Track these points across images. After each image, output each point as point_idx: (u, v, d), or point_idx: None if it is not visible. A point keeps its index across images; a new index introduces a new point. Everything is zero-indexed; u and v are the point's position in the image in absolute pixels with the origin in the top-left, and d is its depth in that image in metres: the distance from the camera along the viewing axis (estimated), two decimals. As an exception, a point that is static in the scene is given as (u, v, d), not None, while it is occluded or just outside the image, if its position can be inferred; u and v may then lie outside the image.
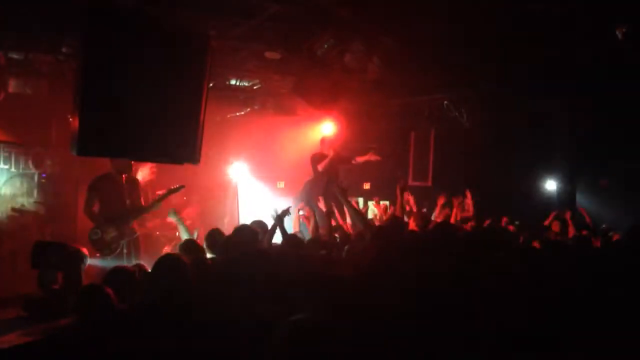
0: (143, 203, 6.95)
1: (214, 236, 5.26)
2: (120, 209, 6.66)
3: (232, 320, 3.22)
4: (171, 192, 6.96)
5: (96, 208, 6.62)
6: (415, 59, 7.34)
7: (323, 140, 9.78)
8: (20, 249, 7.27)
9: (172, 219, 6.09)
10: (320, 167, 9.19)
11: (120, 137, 4.69)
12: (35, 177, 8.13)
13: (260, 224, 5.86)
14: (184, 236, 5.71)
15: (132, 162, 6.63)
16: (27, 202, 7.83)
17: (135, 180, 7.00)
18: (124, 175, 6.67)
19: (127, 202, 6.71)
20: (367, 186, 11.83)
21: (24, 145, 8.09)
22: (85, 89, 4.56)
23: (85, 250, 5.98)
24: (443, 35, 6.79)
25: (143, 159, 5.09)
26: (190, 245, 4.98)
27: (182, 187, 7.10)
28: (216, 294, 3.70)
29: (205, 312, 3.45)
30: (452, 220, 7.53)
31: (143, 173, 7.90)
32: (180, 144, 5.10)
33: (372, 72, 7.22)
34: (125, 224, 6.67)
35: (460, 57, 7.50)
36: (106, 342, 3.31)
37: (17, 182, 7.82)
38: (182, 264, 3.85)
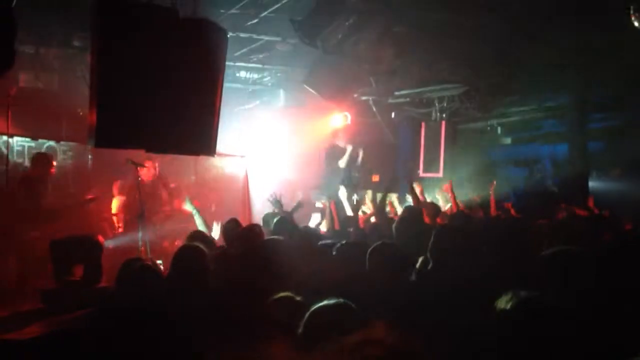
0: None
1: (231, 227, 5.30)
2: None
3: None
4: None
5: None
6: (428, 49, 7.30)
7: (336, 133, 9.64)
8: (35, 242, 7.28)
9: (188, 208, 6.06)
10: (342, 164, 9.14)
11: (137, 129, 4.66)
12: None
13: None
14: (200, 226, 5.71)
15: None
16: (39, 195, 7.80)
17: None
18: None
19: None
20: (376, 179, 11.80)
21: (36, 139, 8.08)
22: (101, 81, 4.53)
23: (101, 239, 6.01)
24: (456, 25, 6.75)
25: (159, 150, 5.06)
26: (198, 236, 4.99)
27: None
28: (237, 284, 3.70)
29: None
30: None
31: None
32: (197, 135, 5.07)
33: (385, 62, 7.18)
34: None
35: (472, 47, 7.47)
36: (123, 331, 3.31)
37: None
38: (203, 254, 3.87)
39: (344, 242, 4.27)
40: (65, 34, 7.21)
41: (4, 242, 6.92)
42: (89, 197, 7.39)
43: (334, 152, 9.14)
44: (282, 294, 3.03)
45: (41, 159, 7.39)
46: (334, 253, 4.11)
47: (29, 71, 8.09)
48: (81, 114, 8.51)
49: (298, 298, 3.00)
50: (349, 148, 9.08)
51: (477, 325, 2.63)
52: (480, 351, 2.59)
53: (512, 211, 7.24)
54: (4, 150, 7.16)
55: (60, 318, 4.26)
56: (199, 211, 5.84)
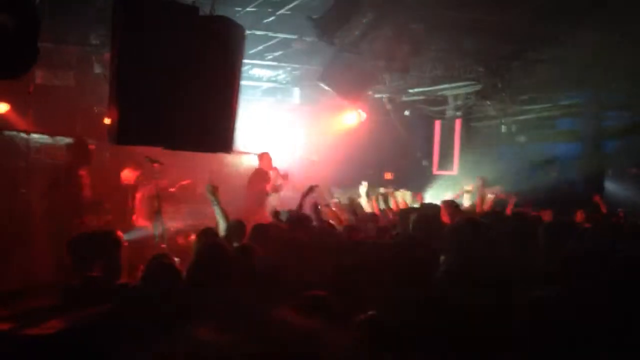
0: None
1: (239, 227, 5.32)
2: (80, 202, 6.77)
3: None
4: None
5: (62, 199, 6.69)
6: (444, 47, 7.29)
7: (262, 157, 9.21)
8: (52, 237, 7.35)
9: (209, 196, 5.95)
10: (269, 189, 8.77)
11: (156, 126, 4.68)
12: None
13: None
14: (220, 218, 5.69)
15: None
16: (57, 192, 7.86)
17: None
18: (85, 168, 6.79)
19: (83, 195, 6.80)
20: (388, 176, 11.81)
21: (53, 136, 8.14)
22: (121, 78, 4.56)
23: (120, 234, 6.04)
24: (472, 22, 6.74)
25: (178, 147, 5.08)
26: (210, 233, 5.01)
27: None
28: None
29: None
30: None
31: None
32: (214, 132, 5.09)
33: (400, 59, 7.17)
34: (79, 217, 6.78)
35: (488, 45, 7.45)
36: (144, 329, 3.33)
37: (48, 172, 7.85)
38: (225, 250, 3.88)
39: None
40: (83, 31, 7.25)
41: (45, 234, 6.96)
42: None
43: (261, 176, 8.86)
44: (309, 292, 3.04)
45: (78, 146, 7.19)
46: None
47: (47, 68, 8.14)
48: (96, 111, 8.59)
49: (323, 294, 3.02)
50: (272, 174, 8.87)
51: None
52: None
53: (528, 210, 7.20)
54: (22, 146, 7.19)
55: (80, 314, 4.30)
56: (219, 202, 5.76)
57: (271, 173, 8.80)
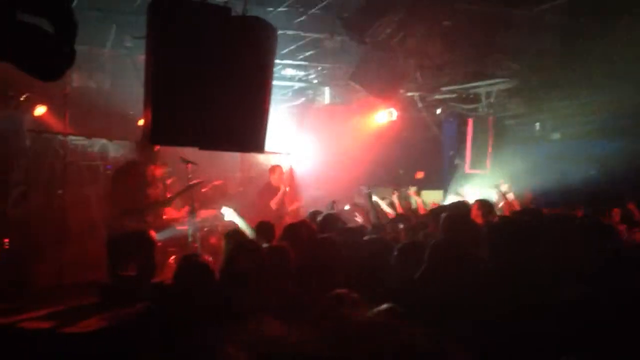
0: (168, 195, 6.94)
1: (267, 228, 5.37)
2: (139, 200, 6.63)
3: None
4: (189, 188, 6.97)
5: (118, 197, 6.65)
6: (477, 43, 7.19)
7: (273, 170, 8.89)
8: (87, 237, 7.48)
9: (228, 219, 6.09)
10: (273, 205, 8.46)
11: (190, 127, 4.73)
12: (100, 168, 8.31)
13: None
14: (246, 228, 5.77)
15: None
16: (93, 192, 8.02)
17: (157, 172, 6.92)
18: (150, 165, 6.75)
19: (148, 193, 6.73)
20: (420, 175, 11.72)
21: (89, 138, 8.29)
22: (155, 79, 4.61)
23: (154, 235, 6.14)
24: (506, 18, 6.64)
25: (213, 147, 5.13)
26: (239, 233, 5.06)
27: (199, 183, 7.16)
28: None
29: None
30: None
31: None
32: (247, 132, 5.12)
33: (432, 57, 7.12)
34: (142, 215, 6.70)
35: (522, 41, 7.32)
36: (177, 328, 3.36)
37: (83, 173, 8.02)
38: (257, 250, 3.90)
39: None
40: (118, 34, 7.35)
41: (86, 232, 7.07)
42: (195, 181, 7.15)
43: (269, 190, 8.64)
44: (339, 290, 3.03)
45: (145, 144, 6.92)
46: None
47: (82, 71, 8.29)
48: (131, 113, 8.72)
49: (355, 295, 3.00)
50: (282, 188, 8.56)
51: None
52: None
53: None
54: (59, 148, 7.30)
55: (117, 312, 4.38)
56: (242, 217, 5.89)
57: (282, 187, 8.56)
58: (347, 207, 8.42)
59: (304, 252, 4.04)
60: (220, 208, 7.78)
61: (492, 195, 8.06)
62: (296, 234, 4.83)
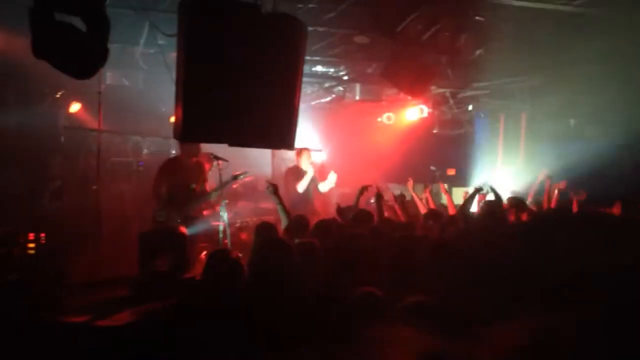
0: (208, 189, 7.06)
1: (301, 223, 5.35)
2: (185, 193, 6.82)
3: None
4: (235, 178, 7.02)
5: (164, 190, 6.76)
6: (509, 39, 7.08)
7: (300, 153, 8.27)
8: (121, 232, 7.60)
9: (269, 195, 6.02)
10: (300, 188, 7.94)
11: (220, 123, 4.77)
12: (133, 165, 8.43)
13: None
14: (282, 215, 5.76)
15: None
16: (126, 188, 8.15)
17: (202, 166, 7.08)
18: (192, 160, 6.83)
19: (193, 186, 6.84)
20: (452, 172, 11.62)
21: (123, 135, 8.41)
22: (186, 77, 4.66)
23: (184, 230, 6.20)
24: (539, 13, 6.52)
25: (242, 144, 5.16)
26: (268, 228, 5.06)
27: (245, 173, 7.15)
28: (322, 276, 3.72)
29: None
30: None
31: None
32: (277, 129, 5.14)
33: (464, 53, 7.03)
34: (189, 208, 6.83)
35: (556, 35, 7.19)
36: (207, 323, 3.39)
37: (117, 169, 8.14)
38: (285, 245, 3.91)
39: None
40: (151, 32, 7.43)
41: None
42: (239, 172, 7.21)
43: (295, 173, 8.16)
44: (364, 289, 3.03)
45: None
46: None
47: (116, 69, 8.41)
48: (164, 110, 8.83)
49: (380, 293, 2.99)
50: (311, 171, 8.04)
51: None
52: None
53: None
54: (93, 144, 7.42)
55: (149, 307, 4.43)
56: (280, 200, 5.84)
57: (310, 171, 8.04)
58: (372, 201, 8.28)
59: (333, 248, 4.04)
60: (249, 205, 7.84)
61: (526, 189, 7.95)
62: (326, 230, 4.83)
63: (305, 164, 8.13)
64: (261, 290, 3.61)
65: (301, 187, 7.91)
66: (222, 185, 6.95)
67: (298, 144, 5.54)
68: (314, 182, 8.10)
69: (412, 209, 7.06)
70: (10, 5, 5.47)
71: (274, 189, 5.85)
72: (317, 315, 3.16)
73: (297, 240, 4.54)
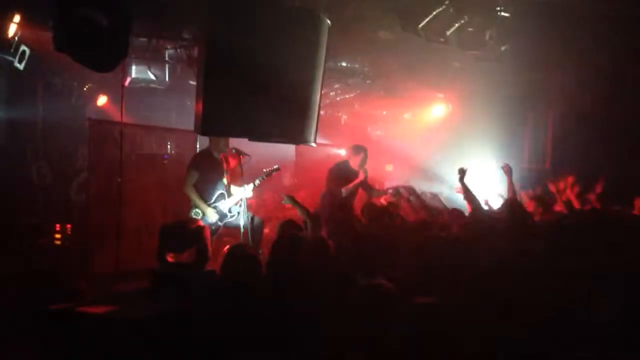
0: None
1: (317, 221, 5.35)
2: (218, 188, 6.83)
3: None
4: (267, 174, 6.97)
5: (196, 186, 6.75)
6: (536, 34, 6.95)
7: (357, 151, 7.28)
8: (144, 225, 7.67)
9: (287, 203, 6.02)
10: (344, 192, 6.96)
11: (242, 118, 4.80)
12: (157, 158, 8.49)
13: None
14: (305, 217, 5.77)
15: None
16: (150, 181, 8.20)
17: (227, 161, 6.99)
18: (221, 155, 6.81)
19: (225, 181, 6.85)
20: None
21: (148, 128, 8.48)
22: (208, 71, 4.68)
23: (206, 225, 6.24)
24: (567, 7, 6.39)
25: (263, 139, 5.17)
26: (290, 225, 5.05)
27: (277, 168, 7.11)
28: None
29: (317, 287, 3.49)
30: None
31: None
32: (298, 124, 5.15)
33: (489, 49, 6.92)
34: (224, 204, 6.85)
35: (583, 29, 7.03)
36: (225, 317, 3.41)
37: (141, 162, 8.19)
38: (299, 242, 3.92)
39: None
40: (176, 26, 7.47)
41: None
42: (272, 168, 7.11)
43: (343, 174, 7.14)
44: (374, 281, 3.01)
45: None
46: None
47: (141, 63, 8.49)
48: (188, 104, 8.89)
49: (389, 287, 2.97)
50: (363, 175, 7.02)
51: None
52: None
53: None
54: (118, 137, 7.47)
55: (167, 300, 4.47)
56: (300, 206, 5.83)
57: (362, 174, 7.04)
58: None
59: (349, 246, 4.04)
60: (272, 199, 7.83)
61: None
62: (341, 227, 4.83)
63: (360, 165, 7.16)
64: (277, 286, 3.62)
65: (346, 191, 7.00)
66: (258, 180, 6.92)
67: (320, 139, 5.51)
68: (363, 186, 7.23)
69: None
70: (40, 0, 5.54)
71: (292, 199, 5.80)
72: (328, 312, 3.16)
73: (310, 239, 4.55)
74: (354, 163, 7.17)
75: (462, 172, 6.00)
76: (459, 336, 2.53)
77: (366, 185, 7.25)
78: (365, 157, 7.19)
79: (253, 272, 3.80)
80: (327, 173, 7.24)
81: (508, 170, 6.59)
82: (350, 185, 6.95)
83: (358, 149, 7.21)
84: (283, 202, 6.08)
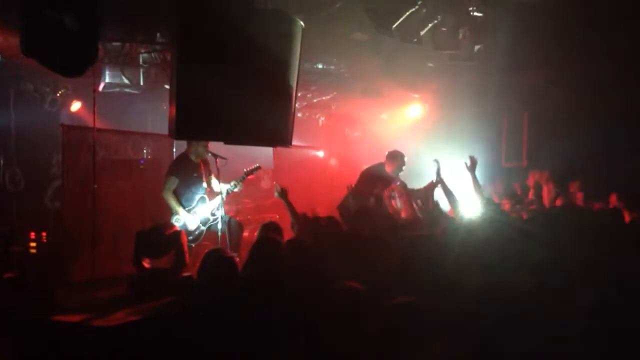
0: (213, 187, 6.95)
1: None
2: (199, 192, 6.77)
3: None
4: (248, 173, 6.91)
5: (176, 191, 6.70)
6: (510, 34, 7.01)
7: (395, 156, 7.24)
8: (120, 231, 7.58)
9: (277, 197, 5.90)
10: (375, 192, 6.76)
11: (215, 121, 4.76)
12: (133, 163, 8.39)
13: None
14: (292, 217, 5.71)
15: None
16: (126, 187, 8.11)
17: (208, 164, 6.97)
18: (200, 159, 6.75)
19: (205, 184, 6.80)
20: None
21: (123, 133, 8.38)
22: (180, 75, 4.64)
23: (182, 230, 6.18)
24: (540, 6, 6.45)
25: (237, 142, 5.15)
26: (273, 227, 5.02)
27: (258, 167, 7.05)
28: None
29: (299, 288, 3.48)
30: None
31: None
32: (273, 127, 5.13)
33: (464, 49, 6.96)
34: (205, 208, 6.80)
35: (559, 32, 7.11)
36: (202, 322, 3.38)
37: (116, 168, 8.09)
38: (276, 244, 3.91)
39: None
40: (150, 29, 7.41)
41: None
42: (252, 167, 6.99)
43: (375, 180, 7.05)
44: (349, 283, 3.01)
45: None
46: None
47: (115, 67, 8.39)
48: (165, 107, 8.80)
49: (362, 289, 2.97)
50: (396, 184, 6.84)
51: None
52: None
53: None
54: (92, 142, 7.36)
55: (146, 305, 4.44)
56: (289, 203, 5.74)
57: (396, 183, 6.84)
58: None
59: (332, 248, 4.02)
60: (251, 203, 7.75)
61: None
62: (322, 230, 4.80)
63: (396, 171, 7.10)
64: (254, 288, 3.60)
65: (376, 198, 6.70)
66: (239, 181, 6.85)
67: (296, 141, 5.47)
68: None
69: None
70: (10, 5, 5.46)
71: (283, 192, 5.72)
72: (308, 311, 3.14)
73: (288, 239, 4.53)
74: (390, 168, 7.15)
75: (437, 163, 6.02)
76: (436, 335, 2.53)
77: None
78: (402, 163, 7.17)
79: (230, 276, 3.78)
80: (358, 176, 7.21)
81: (472, 164, 6.33)
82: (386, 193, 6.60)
83: (395, 155, 7.19)
84: (275, 194, 5.96)
